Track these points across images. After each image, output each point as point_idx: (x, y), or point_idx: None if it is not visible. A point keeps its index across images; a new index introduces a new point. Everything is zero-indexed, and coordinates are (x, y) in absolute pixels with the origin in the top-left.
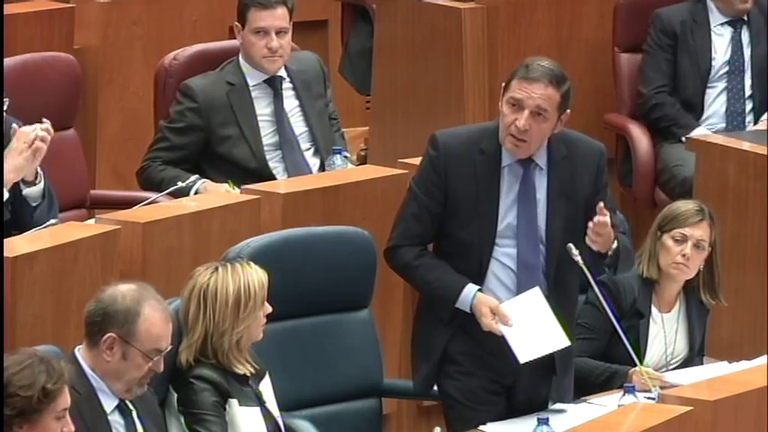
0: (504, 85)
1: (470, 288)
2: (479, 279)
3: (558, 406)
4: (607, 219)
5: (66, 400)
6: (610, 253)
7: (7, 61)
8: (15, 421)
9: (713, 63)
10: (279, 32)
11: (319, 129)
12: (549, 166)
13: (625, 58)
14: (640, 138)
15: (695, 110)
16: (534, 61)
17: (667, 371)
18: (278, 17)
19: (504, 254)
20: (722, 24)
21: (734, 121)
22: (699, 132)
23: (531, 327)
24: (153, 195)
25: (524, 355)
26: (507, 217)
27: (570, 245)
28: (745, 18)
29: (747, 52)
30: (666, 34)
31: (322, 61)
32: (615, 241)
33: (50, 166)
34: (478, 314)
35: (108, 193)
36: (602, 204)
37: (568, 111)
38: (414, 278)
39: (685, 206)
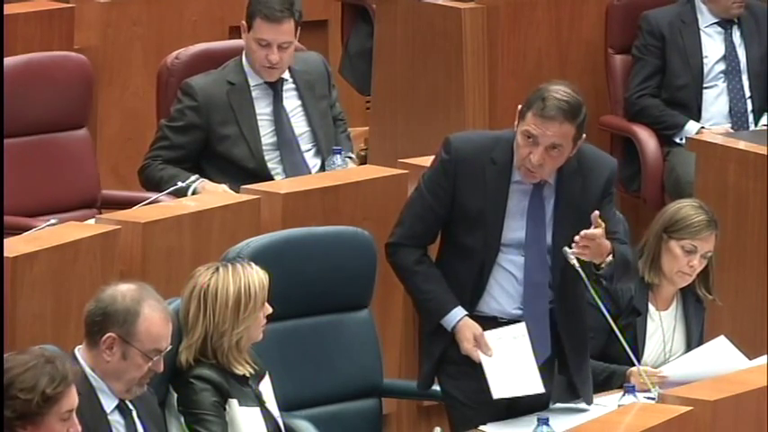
0: (520, 109)
1: (459, 310)
2: (481, 284)
3: (559, 406)
4: (597, 231)
5: (71, 401)
6: (603, 265)
7: (16, 60)
8: (17, 423)
9: (705, 62)
10: (281, 46)
11: (321, 129)
12: (560, 181)
13: (619, 60)
14: (648, 140)
15: (690, 109)
16: (550, 93)
17: None
18: (283, 32)
19: (509, 261)
20: (711, 25)
21: (738, 121)
22: (691, 128)
23: (510, 363)
24: (162, 196)
25: (499, 392)
26: (514, 230)
27: (566, 248)
28: (735, 19)
29: (741, 52)
30: (654, 36)
31: (327, 62)
32: (611, 254)
33: (61, 165)
34: (461, 337)
35: (118, 193)
36: (596, 214)
37: (584, 135)
38: (409, 283)
39: (696, 215)
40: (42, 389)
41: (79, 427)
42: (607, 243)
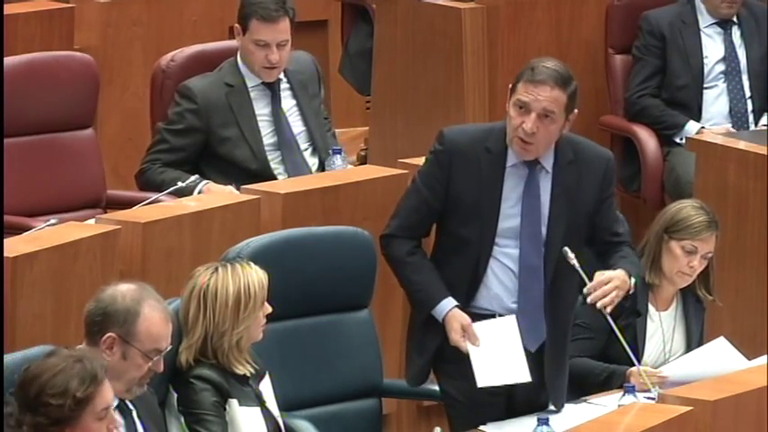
0: (510, 86)
1: (449, 301)
2: (477, 277)
3: (552, 410)
4: (607, 275)
5: (105, 399)
6: (631, 291)
7: (19, 59)
8: (53, 429)
9: (705, 62)
10: (279, 45)
11: (317, 128)
12: (555, 170)
13: (619, 60)
14: (648, 140)
15: (690, 110)
16: (540, 63)
17: None
18: (280, 31)
19: (504, 254)
20: (711, 25)
21: (738, 121)
22: (691, 128)
23: (497, 354)
24: (163, 196)
25: (483, 380)
26: (509, 218)
27: (566, 248)
28: (734, 19)
29: (741, 52)
30: (654, 36)
31: (316, 61)
32: (632, 278)
33: (67, 165)
34: (449, 328)
35: (123, 193)
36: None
37: (576, 111)
38: (401, 273)
39: (697, 216)
40: (73, 392)
41: (122, 420)
42: (622, 272)
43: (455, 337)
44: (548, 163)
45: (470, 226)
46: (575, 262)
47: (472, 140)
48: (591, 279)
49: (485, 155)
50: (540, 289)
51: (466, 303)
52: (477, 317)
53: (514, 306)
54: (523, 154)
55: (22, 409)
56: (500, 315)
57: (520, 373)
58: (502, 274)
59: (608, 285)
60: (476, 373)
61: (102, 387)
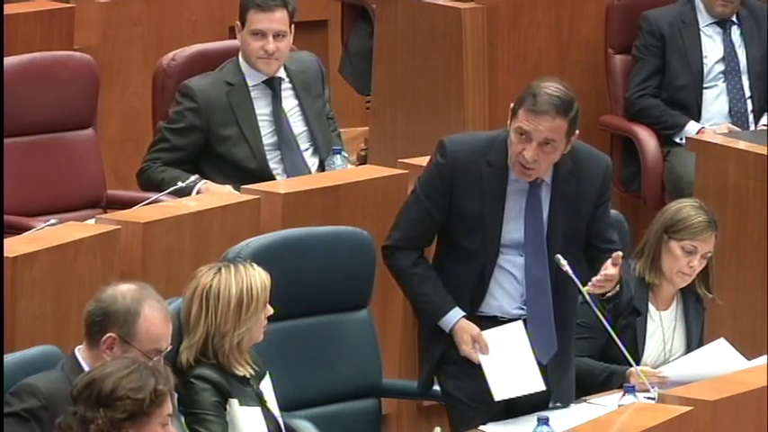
0: (512, 107)
1: (456, 312)
2: (482, 286)
3: (558, 406)
4: (615, 272)
5: (170, 406)
6: (611, 293)
7: (20, 59)
8: (124, 425)
9: (705, 62)
10: (276, 36)
11: (318, 128)
12: (554, 181)
13: (619, 60)
14: (648, 140)
15: (690, 110)
16: (541, 89)
17: None
18: (276, 20)
19: (508, 261)
20: (710, 25)
21: (738, 121)
22: (691, 128)
23: (509, 363)
24: (163, 196)
25: (500, 393)
26: (512, 230)
27: (558, 256)
28: (734, 19)
29: (741, 52)
30: (654, 36)
31: (320, 61)
32: (618, 282)
33: (67, 165)
34: (459, 340)
35: (123, 193)
36: (619, 254)
37: (577, 132)
38: (406, 285)
39: (697, 216)
40: (154, 386)
41: None
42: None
43: (466, 348)
44: (547, 176)
45: (474, 238)
46: (567, 269)
47: (474, 152)
48: (584, 285)
49: (486, 168)
50: (549, 300)
51: (470, 311)
52: (480, 319)
53: (518, 311)
54: (524, 178)
55: (91, 407)
56: (502, 318)
57: (534, 383)
58: (505, 281)
59: (607, 282)
60: (491, 386)
61: (170, 394)
